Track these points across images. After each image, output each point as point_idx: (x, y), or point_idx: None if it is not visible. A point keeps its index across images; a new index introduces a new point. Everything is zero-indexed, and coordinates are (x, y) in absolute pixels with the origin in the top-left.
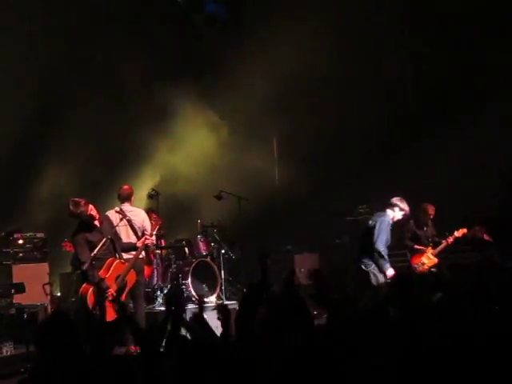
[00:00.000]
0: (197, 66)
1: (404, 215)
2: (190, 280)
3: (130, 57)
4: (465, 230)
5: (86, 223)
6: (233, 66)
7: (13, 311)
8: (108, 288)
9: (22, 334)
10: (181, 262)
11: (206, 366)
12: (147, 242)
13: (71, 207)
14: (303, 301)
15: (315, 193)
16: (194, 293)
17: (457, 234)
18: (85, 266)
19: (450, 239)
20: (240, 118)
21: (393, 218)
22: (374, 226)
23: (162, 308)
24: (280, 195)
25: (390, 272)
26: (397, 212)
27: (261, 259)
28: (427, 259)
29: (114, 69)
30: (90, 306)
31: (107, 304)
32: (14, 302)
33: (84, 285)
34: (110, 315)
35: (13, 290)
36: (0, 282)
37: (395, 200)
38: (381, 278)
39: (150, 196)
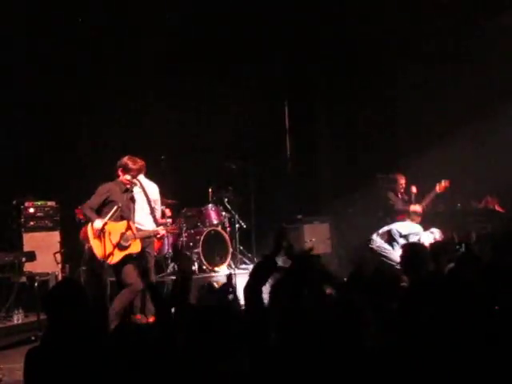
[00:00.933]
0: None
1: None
2: (200, 249)
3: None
4: (447, 183)
5: (119, 183)
6: None
7: (23, 279)
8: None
9: (33, 302)
10: (192, 231)
11: (217, 334)
12: (161, 234)
13: (126, 158)
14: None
15: (327, 162)
16: (205, 262)
17: (438, 189)
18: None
19: (430, 196)
20: (252, 83)
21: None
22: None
23: (173, 277)
24: (291, 164)
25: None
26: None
27: (279, 233)
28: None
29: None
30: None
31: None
32: (25, 270)
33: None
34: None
35: (24, 259)
36: (11, 251)
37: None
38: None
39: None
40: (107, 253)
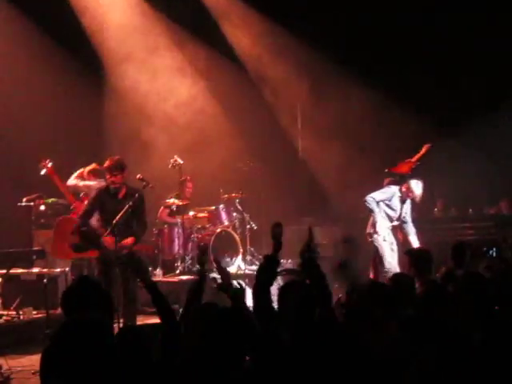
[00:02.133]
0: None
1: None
2: (211, 249)
3: None
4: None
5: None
6: None
7: (33, 277)
8: None
9: (42, 299)
10: (202, 232)
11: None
12: None
13: (117, 159)
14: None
15: (339, 166)
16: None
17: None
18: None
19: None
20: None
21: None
22: None
23: (182, 277)
24: (302, 166)
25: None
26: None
27: (274, 231)
28: None
29: None
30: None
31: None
32: (35, 267)
33: None
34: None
35: (34, 256)
36: (21, 248)
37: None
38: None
39: (173, 166)
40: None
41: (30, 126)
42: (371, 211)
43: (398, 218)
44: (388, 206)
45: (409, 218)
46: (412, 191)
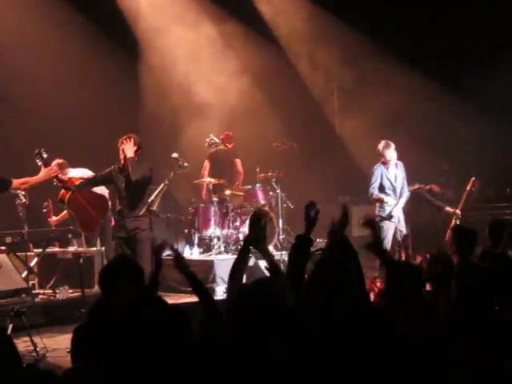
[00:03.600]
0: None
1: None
2: (247, 228)
3: None
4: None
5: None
6: None
7: (69, 256)
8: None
9: (78, 278)
10: (238, 211)
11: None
12: None
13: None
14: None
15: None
16: None
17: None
18: None
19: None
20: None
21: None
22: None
23: (219, 256)
24: (339, 145)
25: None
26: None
27: (307, 210)
28: None
29: None
30: None
31: None
32: (71, 246)
33: None
34: None
35: (70, 235)
36: (57, 228)
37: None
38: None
39: (209, 144)
40: None
41: (64, 103)
42: (379, 200)
43: (394, 189)
44: (383, 182)
45: (400, 184)
46: (384, 156)
